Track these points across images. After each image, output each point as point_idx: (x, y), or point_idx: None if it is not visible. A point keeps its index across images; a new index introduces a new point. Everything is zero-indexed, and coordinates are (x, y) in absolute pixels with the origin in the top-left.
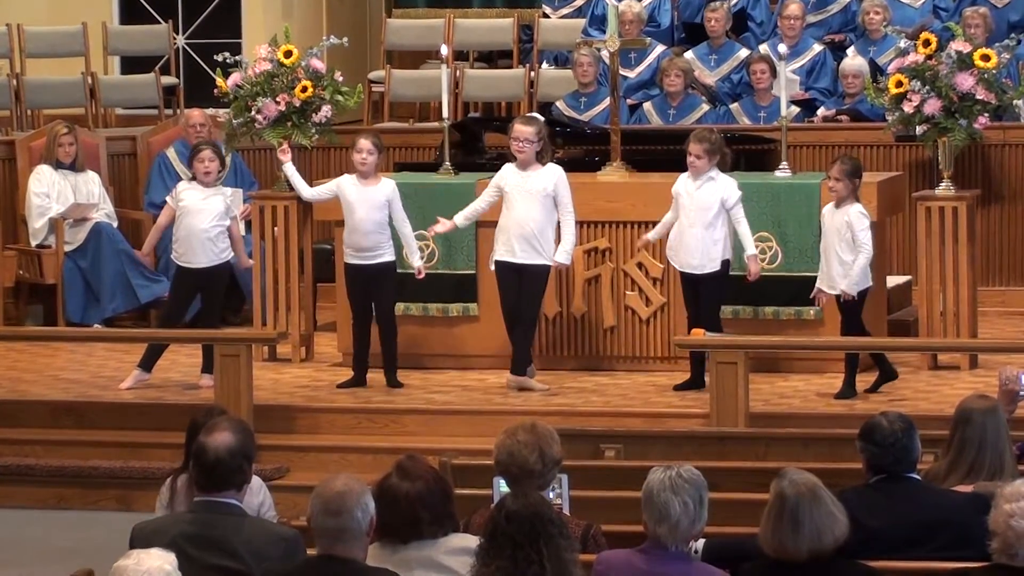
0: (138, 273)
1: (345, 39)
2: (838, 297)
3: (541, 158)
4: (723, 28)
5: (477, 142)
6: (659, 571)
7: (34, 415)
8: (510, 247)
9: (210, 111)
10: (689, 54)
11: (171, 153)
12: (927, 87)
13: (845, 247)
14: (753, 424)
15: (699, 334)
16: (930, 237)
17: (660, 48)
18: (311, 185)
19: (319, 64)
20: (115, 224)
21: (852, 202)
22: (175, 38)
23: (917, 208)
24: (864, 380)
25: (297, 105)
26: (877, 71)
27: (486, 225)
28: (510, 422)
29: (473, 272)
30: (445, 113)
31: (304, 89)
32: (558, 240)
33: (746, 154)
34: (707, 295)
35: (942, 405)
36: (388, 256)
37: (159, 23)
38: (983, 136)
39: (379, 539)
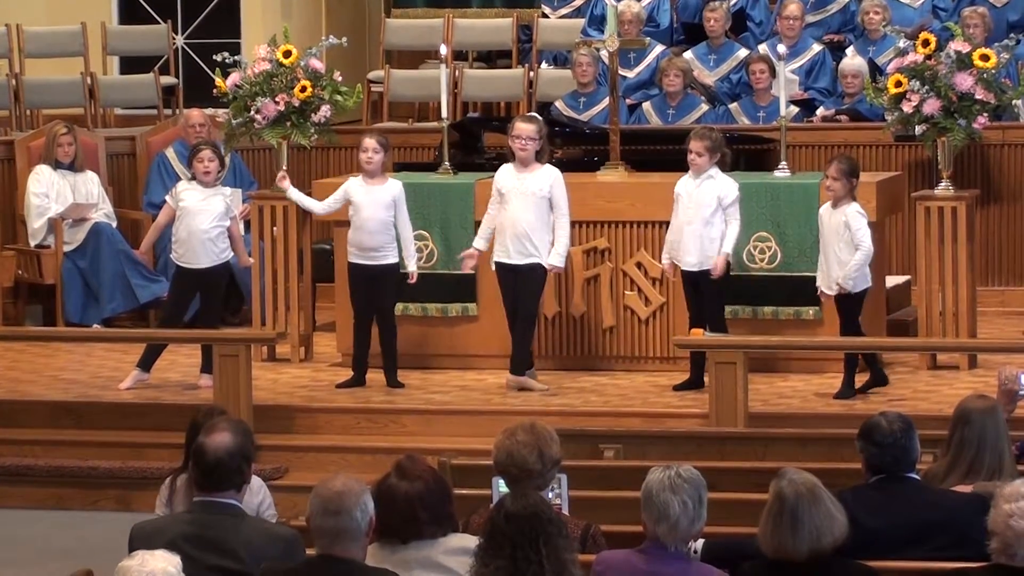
0: (137, 273)
1: (344, 39)
2: (837, 297)
3: (540, 158)
4: (722, 28)
5: (476, 142)
6: (658, 571)
7: (33, 415)
8: (505, 247)
9: (209, 111)
10: (688, 54)
11: (170, 153)
12: (926, 87)
13: (844, 247)
14: (752, 424)
15: (698, 334)
16: (929, 237)
17: (659, 48)
18: (311, 186)
19: (318, 64)
20: (114, 224)
21: (849, 202)
22: (174, 38)
23: (916, 208)
24: (863, 380)
25: (296, 105)
26: (876, 71)
27: None
28: (509, 422)
29: (473, 272)
30: (444, 113)
31: (303, 89)
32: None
33: (745, 154)
34: (709, 294)
35: (941, 405)
36: (392, 258)
37: (158, 23)
38: (982, 136)
39: (378, 539)
